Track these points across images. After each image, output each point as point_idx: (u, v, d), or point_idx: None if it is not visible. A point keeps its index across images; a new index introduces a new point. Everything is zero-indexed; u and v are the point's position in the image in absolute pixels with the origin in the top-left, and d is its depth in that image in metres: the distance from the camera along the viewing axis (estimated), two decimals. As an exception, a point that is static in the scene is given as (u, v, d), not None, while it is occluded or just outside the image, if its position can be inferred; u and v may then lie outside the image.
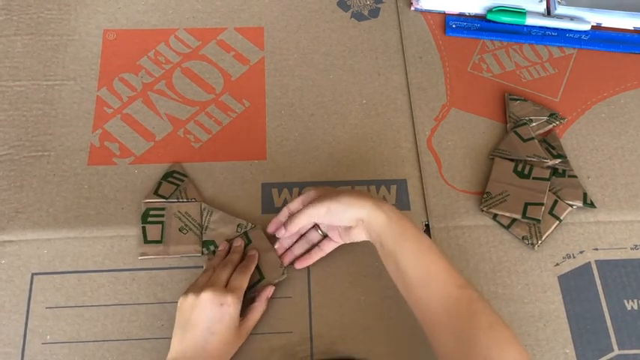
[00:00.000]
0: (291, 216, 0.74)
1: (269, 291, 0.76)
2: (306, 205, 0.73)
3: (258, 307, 0.74)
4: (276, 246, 0.78)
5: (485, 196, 0.82)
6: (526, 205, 0.81)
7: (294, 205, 0.76)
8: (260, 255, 0.78)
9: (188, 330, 0.68)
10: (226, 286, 0.72)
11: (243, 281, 0.73)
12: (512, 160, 0.84)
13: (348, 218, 0.71)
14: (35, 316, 0.75)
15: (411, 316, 0.68)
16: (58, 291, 0.76)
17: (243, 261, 0.77)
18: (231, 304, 0.69)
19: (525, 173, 0.83)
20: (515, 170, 0.83)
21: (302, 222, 0.73)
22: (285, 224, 0.74)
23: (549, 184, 0.83)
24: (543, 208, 0.80)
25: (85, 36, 0.94)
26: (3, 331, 0.74)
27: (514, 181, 0.83)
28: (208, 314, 0.68)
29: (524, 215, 0.80)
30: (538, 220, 0.80)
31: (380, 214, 0.69)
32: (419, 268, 0.67)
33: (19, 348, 0.73)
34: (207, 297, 0.69)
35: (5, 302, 0.75)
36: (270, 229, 0.78)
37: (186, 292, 0.71)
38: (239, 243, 0.79)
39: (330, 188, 0.78)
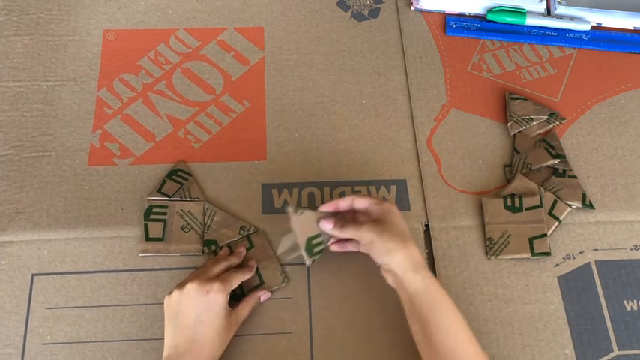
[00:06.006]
0: (344, 222, 0.73)
1: (263, 292, 0.75)
2: (365, 217, 0.74)
3: (249, 301, 0.74)
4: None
5: (487, 242, 0.80)
6: (530, 240, 0.79)
7: (361, 203, 0.74)
8: (261, 260, 0.78)
9: (177, 323, 0.68)
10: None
11: (234, 278, 0.72)
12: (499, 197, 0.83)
13: (384, 262, 0.70)
14: (35, 317, 0.75)
15: (411, 317, 0.69)
16: (58, 291, 0.76)
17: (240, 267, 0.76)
18: (217, 291, 0.68)
19: (517, 207, 0.81)
20: (506, 207, 0.82)
21: (348, 235, 0.72)
22: (336, 223, 0.73)
23: (549, 184, 0.83)
24: (548, 239, 0.79)
25: (85, 36, 0.94)
26: (3, 332, 0.74)
27: (509, 219, 0.81)
28: (196, 303, 0.68)
29: (533, 253, 0.79)
30: (548, 254, 0.79)
31: (416, 279, 0.68)
32: (451, 342, 0.67)
33: (19, 348, 0.73)
34: (192, 287, 0.68)
35: (5, 303, 0.75)
36: (324, 208, 0.75)
37: (170, 291, 0.70)
38: (241, 249, 0.78)
39: (394, 212, 0.73)
